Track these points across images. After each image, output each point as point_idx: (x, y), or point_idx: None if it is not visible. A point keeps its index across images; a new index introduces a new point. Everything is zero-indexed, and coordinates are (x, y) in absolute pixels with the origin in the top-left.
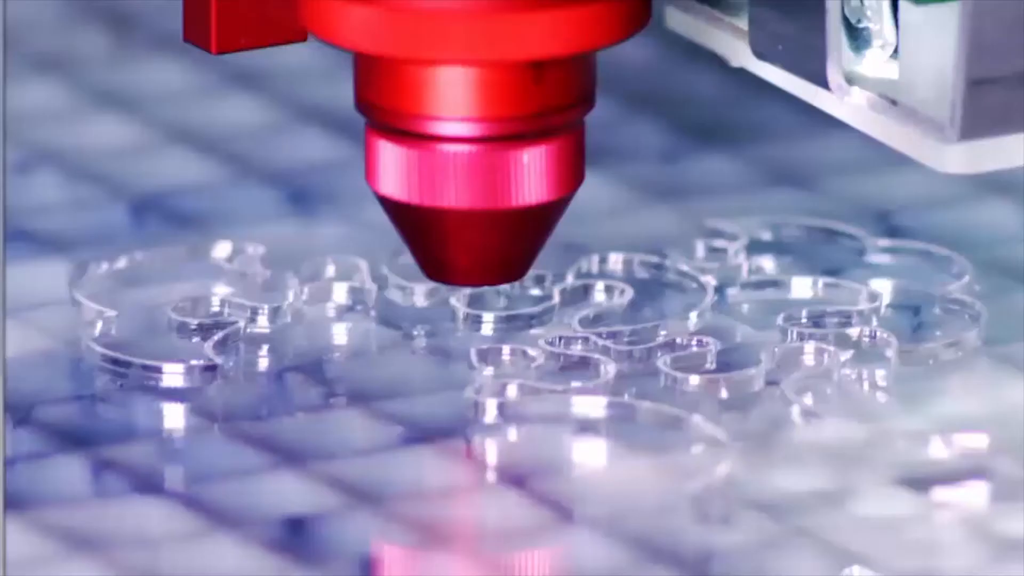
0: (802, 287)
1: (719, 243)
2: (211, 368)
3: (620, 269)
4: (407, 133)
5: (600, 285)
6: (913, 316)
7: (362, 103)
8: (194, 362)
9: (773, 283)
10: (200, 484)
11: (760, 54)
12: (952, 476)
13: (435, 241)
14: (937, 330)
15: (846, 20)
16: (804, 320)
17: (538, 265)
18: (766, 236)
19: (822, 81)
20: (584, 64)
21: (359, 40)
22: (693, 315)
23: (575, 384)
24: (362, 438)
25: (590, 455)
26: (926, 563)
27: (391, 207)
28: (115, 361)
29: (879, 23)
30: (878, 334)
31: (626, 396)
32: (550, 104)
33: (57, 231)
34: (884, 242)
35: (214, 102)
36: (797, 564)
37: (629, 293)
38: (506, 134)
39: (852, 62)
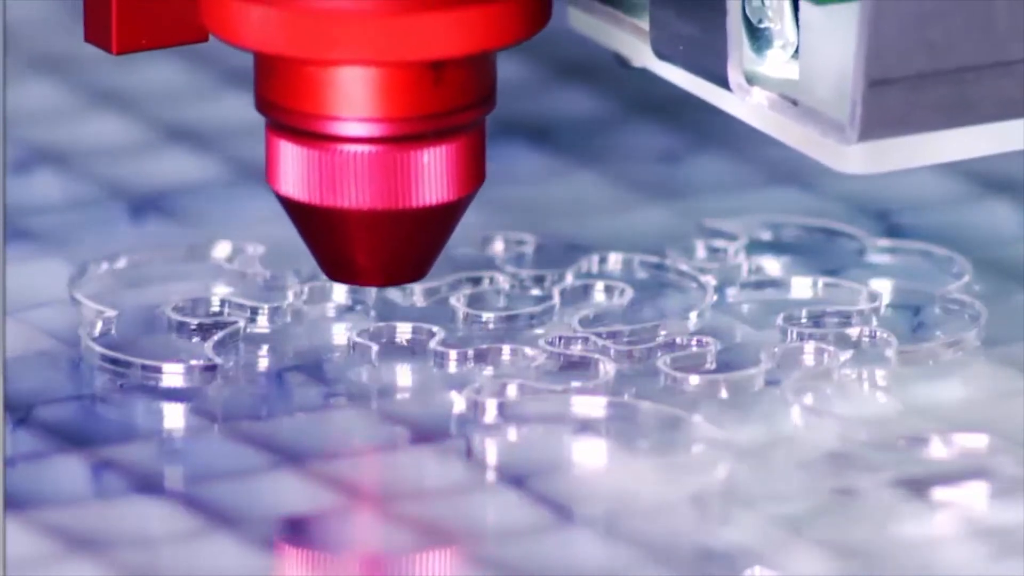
0: (802, 287)
1: (719, 243)
2: (211, 368)
3: (620, 269)
4: (308, 133)
5: (600, 285)
6: (913, 316)
7: (262, 103)
8: (194, 362)
9: (773, 283)
10: (200, 484)
11: (661, 54)
12: (952, 476)
13: (336, 241)
14: (937, 330)
15: (747, 20)
16: (804, 320)
17: (538, 265)
18: (766, 236)
19: (723, 81)
20: (484, 64)
21: (258, 40)
22: (693, 315)
23: (575, 384)
24: (362, 438)
25: (590, 455)
26: (926, 563)
27: (292, 207)
28: (115, 361)
29: (780, 23)
30: (878, 334)
31: (626, 396)
32: (450, 104)
33: (57, 231)
34: (884, 242)
35: (214, 102)
36: (797, 564)
37: (629, 293)
38: (406, 134)
39: (753, 62)
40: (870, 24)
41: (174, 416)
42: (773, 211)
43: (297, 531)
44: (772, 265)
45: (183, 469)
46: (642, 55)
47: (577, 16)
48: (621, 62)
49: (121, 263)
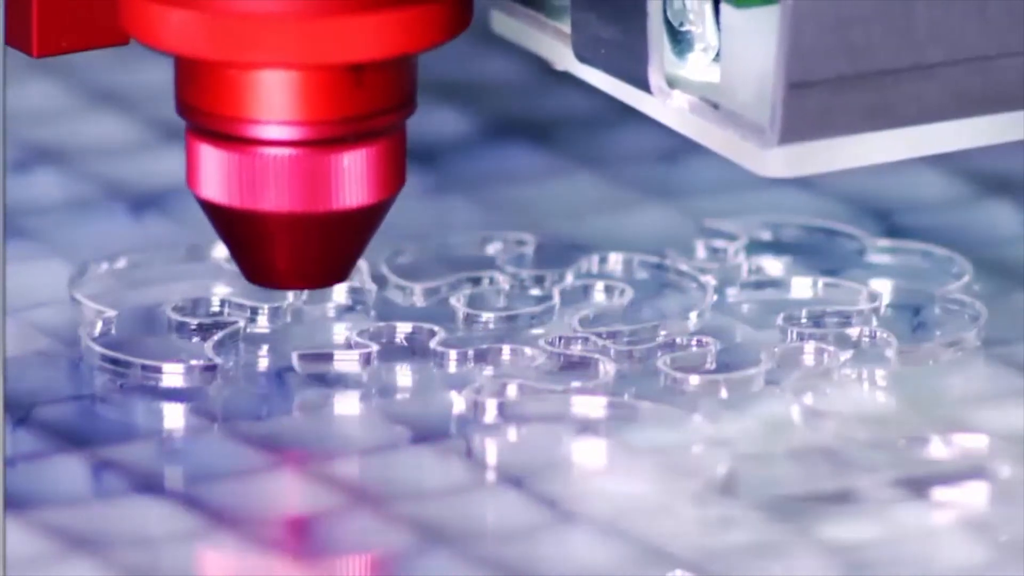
0: (802, 287)
1: (719, 243)
2: (211, 368)
3: (620, 269)
4: (227, 136)
5: (600, 285)
6: (913, 316)
7: (182, 106)
8: (194, 362)
9: (773, 283)
10: (200, 484)
11: (583, 58)
12: (952, 476)
13: (256, 245)
14: (937, 330)
15: (668, 23)
16: (804, 320)
17: (538, 265)
18: (766, 236)
19: (644, 85)
20: (405, 67)
21: (178, 43)
22: (693, 315)
23: (575, 384)
24: (362, 438)
25: (590, 455)
26: (926, 563)
27: (212, 211)
28: (115, 361)
29: (701, 26)
30: (878, 334)
31: (626, 396)
32: (370, 107)
33: (57, 231)
34: (884, 242)
35: None
36: (797, 564)
37: (629, 293)
38: (326, 137)
39: (674, 65)
40: (790, 27)
41: (174, 416)
42: (773, 211)
43: (297, 531)
44: (772, 265)
45: (183, 469)
46: (564, 59)
47: (500, 20)
48: (547, 65)
49: (121, 263)
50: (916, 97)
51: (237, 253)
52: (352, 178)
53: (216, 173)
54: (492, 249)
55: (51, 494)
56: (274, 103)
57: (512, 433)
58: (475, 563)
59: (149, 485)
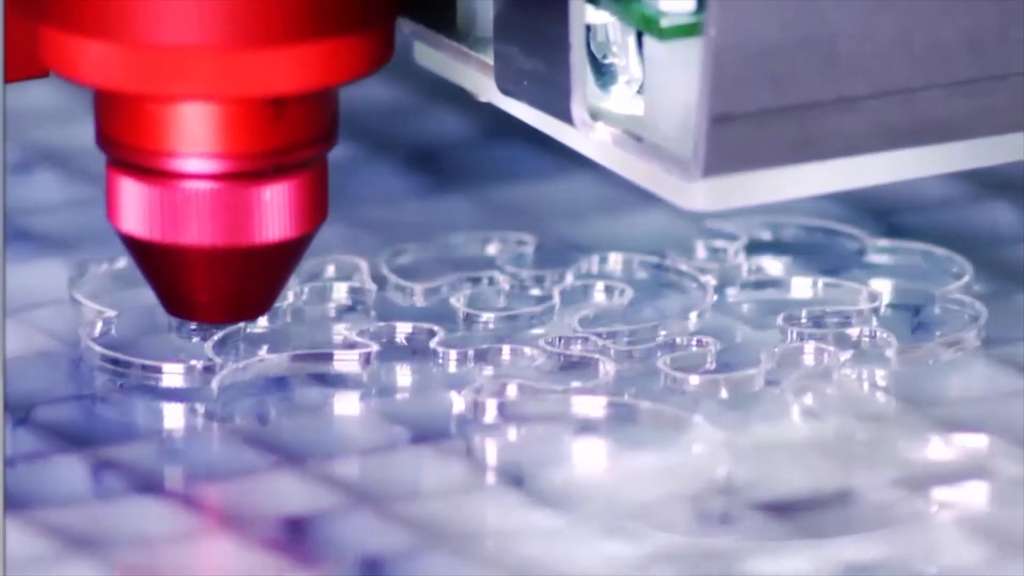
0: (802, 287)
1: (719, 243)
2: (211, 368)
3: (620, 269)
4: (147, 170)
5: (600, 285)
6: (913, 316)
7: (102, 139)
8: (194, 362)
9: (773, 283)
10: (200, 484)
11: (506, 90)
12: (952, 476)
13: (176, 278)
14: (937, 330)
15: (592, 56)
16: (804, 320)
17: (538, 265)
18: (766, 236)
19: (567, 117)
20: (326, 100)
21: (97, 77)
22: (693, 315)
23: (575, 384)
24: (362, 438)
25: (590, 455)
26: (926, 563)
27: (133, 245)
28: (115, 361)
29: (625, 59)
30: (878, 334)
31: (626, 396)
32: (291, 140)
33: (57, 231)
34: (884, 242)
35: None
36: (797, 564)
37: (629, 293)
38: (247, 171)
39: (598, 98)
40: (712, 59)
41: (174, 416)
42: (773, 211)
43: (297, 531)
44: (772, 265)
45: (183, 469)
46: (487, 90)
47: (423, 51)
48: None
49: (121, 263)
50: (841, 130)
51: (157, 286)
52: (274, 212)
53: (136, 207)
54: (492, 249)
55: (51, 494)
56: (194, 136)
57: (512, 433)
58: (475, 563)
59: (149, 485)
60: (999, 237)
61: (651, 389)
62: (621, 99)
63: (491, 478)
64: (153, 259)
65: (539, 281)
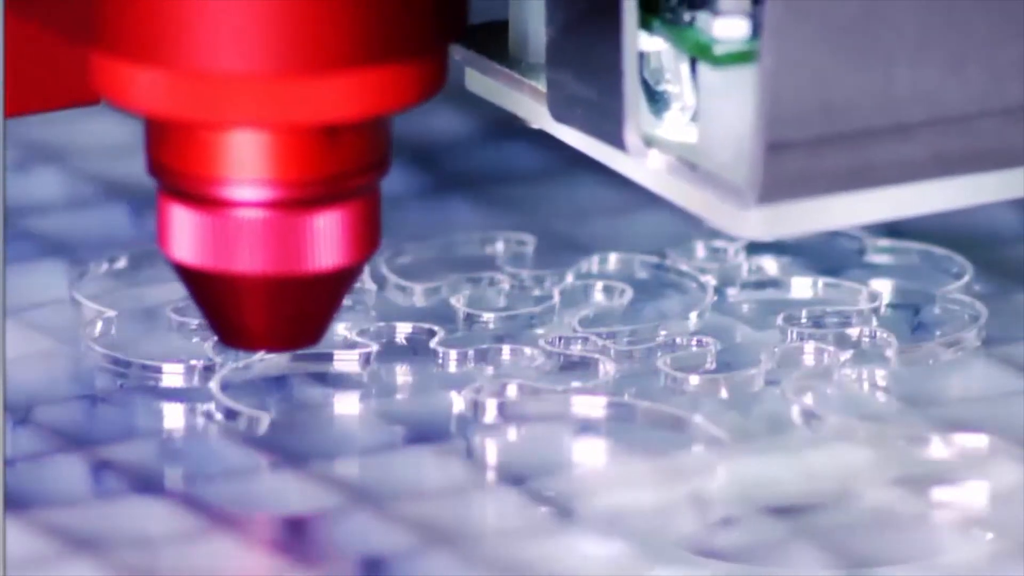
0: (802, 287)
1: (719, 243)
2: (211, 368)
3: (620, 269)
4: (200, 197)
5: (600, 285)
6: (913, 316)
7: (154, 166)
8: (194, 362)
9: (773, 283)
10: (200, 484)
11: (559, 117)
12: (952, 476)
13: (228, 307)
14: (937, 330)
15: (645, 83)
16: (804, 320)
17: (538, 265)
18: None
19: (620, 144)
20: (379, 127)
21: (149, 104)
22: (693, 315)
23: (575, 384)
24: (362, 438)
25: (590, 455)
26: (926, 563)
27: (184, 273)
28: (115, 361)
29: (678, 86)
30: (878, 334)
31: (626, 396)
32: (344, 168)
33: (57, 231)
34: (884, 242)
35: None
36: (797, 564)
37: (629, 293)
38: (300, 198)
39: (651, 125)
40: (768, 87)
41: (174, 416)
42: None
43: (297, 531)
44: (772, 265)
45: (183, 469)
46: (540, 117)
47: (474, 78)
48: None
49: (121, 263)
50: (895, 157)
51: (209, 315)
52: (326, 240)
53: (188, 234)
54: (492, 249)
55: (51, 494)
56: (247, 163)
57: (512, 433)
58: (475, 563)
59: (149, 485)
60: (999, 237)
61: (651, 389)
62: (675, 126)
63: (491, 478)
64: (205, 288)
65: (539, 281)
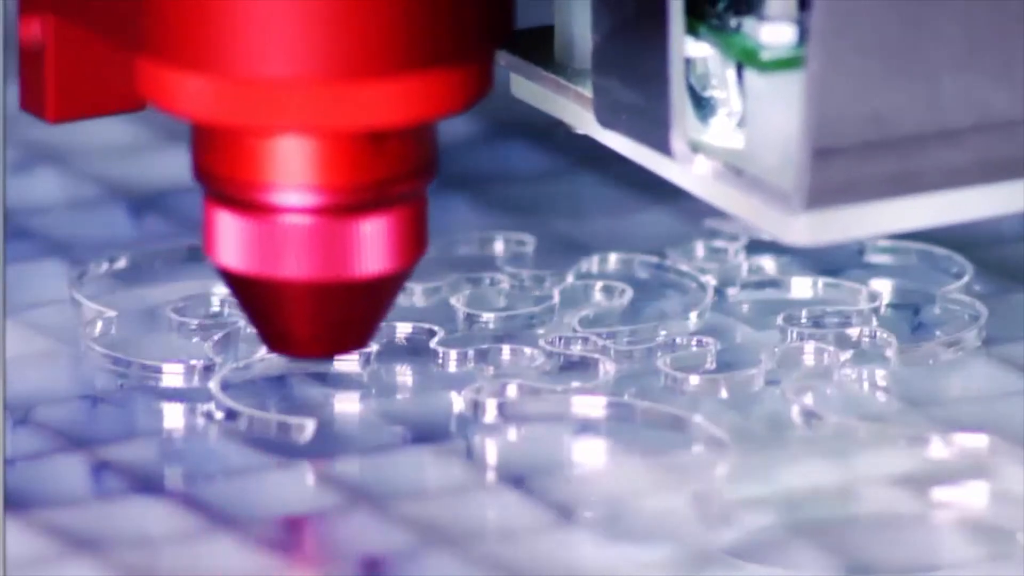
0: (802, 287)
1: (719, 243)
2: (211, 368)
3: (620, 269)
4: (246, 203)
5: (600, 285)
6: (913, 316)
7: (200, 172)
8: (194, 362)
9: (773, 283)
10: (200, 484)
11: (605, 122)
12: (952, 476)
13: (274, 312)
14: (937, 330)
15: (691, 88)
16: (804, 320)
17: (538, 265)
18: (766, 236)
19: (666, 149)
20: (425, 133)
21: (196, 110)
22: (693, 315)
23: (575, 384)
24: (362, 438)
25: (590, 455)
26: (926, 563)
27: (230, 278)
28: (115, 361)
29: (725, 91)
30: (878, 334)
31: (626, 396)
32: (391, 173)
33: (57, 231)
34: (884, 242)
35: None
36: (797, 564)
37: (629, 293)
38: (346, 204)
39: (697, 130)
40: (815, 93)
41: (174, 416)
42: None
43: (297, 531)
44: (772, 265)
45: (183, 469)
46: (585, 123)
47: (520, 84)
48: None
49: (121, 263)
50: (941, 163)
51: (256, 320)
52: (373, 245)
53: (234, 240)
54: (492, 249)
55: (51, 494)
56: (293, 169)
57: (512, 433)
58: (475, 563)
59: (149, 485)
60: (999, 237)
61: (651, 389)
62: (721, 132)
63: (491, 478)
64: (251, 293)
65: (539, 281)
